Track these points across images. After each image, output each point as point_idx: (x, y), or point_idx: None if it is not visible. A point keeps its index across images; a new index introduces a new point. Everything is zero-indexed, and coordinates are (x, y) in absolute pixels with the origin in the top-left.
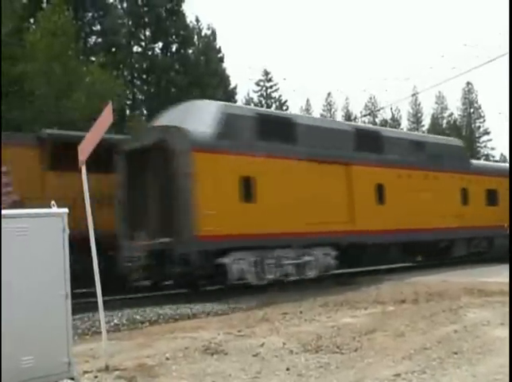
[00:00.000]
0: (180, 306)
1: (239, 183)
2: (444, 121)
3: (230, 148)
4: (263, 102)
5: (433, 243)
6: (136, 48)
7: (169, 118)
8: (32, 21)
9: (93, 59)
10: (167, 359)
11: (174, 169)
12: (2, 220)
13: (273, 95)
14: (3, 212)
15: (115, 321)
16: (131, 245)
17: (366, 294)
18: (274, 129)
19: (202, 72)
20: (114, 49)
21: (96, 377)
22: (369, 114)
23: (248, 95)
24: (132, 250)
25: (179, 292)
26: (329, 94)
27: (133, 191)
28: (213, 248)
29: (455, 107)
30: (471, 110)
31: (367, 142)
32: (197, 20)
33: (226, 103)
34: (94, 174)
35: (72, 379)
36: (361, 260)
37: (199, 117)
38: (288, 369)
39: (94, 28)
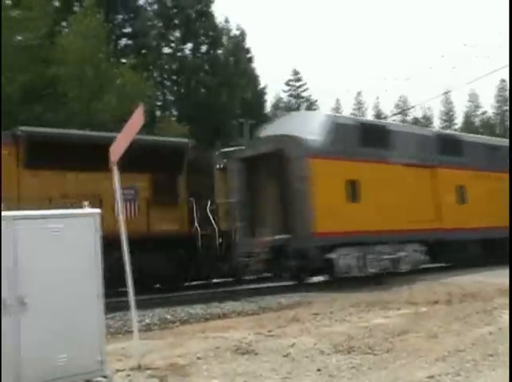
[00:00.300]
0: (211, 306)
1: (345, 185)
2: (477, 119)
3: (338, 154)
4: (293, 101)
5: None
6: (166, 50)
7: (280, 127)
8: (64, 24)
9: (123, 61)
10: (198, 358)
11: (291, 174)
12: (37, 220)
13: (303, 94)
14: (38, 212)
15: (147, 320)
16: (252, 242)
17: (398, 294)
18: (373, 136)
19: (231, 72)
20: (144, 51)
21: (129, 376)
22: (399, 113)
23: (278, 95)
24: (252, 246)
25: (209, 291)
26: (359, 93)
27: (250, 193)
28: (325, 244)
29: (489, 105)
30: (505, 107)
31: (449, 147)
32: (226, 21)
33: (333, 114)
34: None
35: (105, 377)
36: (445, 256)
37: (309, 126)
38: (319, 370)
39: (124, 30)
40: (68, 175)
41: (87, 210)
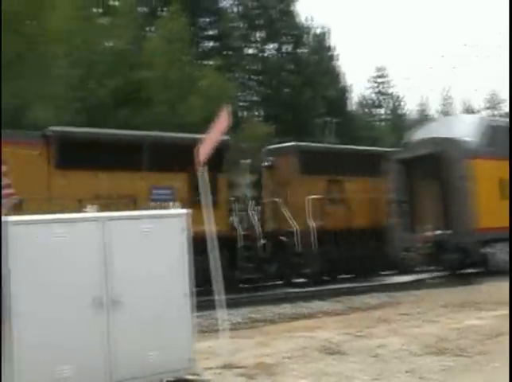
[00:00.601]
0: (297, 306)
1: (500, 184)
2: None
3: (493, 154)
4: (379, 98)
5: None
6: (249, 51)
7: (434, 130)
8: (150, 29)
9: (207, 63)
10: (285, 358)
11: (451, 174)
12: (129, 221)
13: (389, 91)
14: (131, 212)
15: (233, 319)
16: (412, 237)
17: (489, 294)
18: None
19: (314, 70)
20: (227, 52)
21: (217, 374)
22: (490, 108)
23: (362, 92)
24: (412, 241)
25: (294, 291)
26: (445, 89)
27: (409, 192)
28: (483, 239)
29: None
30: None
31: None
32: (309, 19)
33: (486, 117)
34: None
35: (196, 374)
36: None
37: (465, 129)
38: (408, 371)
39: (206, 32)
40: (101, 175)
41: (176, 211)
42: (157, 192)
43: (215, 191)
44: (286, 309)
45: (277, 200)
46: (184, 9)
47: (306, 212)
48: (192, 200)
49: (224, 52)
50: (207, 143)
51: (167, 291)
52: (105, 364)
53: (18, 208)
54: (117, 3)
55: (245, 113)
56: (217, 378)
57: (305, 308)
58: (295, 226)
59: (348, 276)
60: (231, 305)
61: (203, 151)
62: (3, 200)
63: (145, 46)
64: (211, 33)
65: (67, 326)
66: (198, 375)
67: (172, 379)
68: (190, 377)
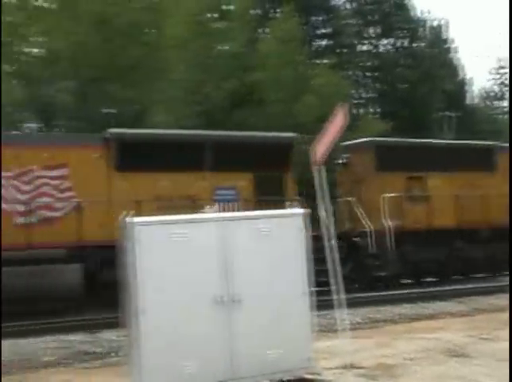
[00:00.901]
0: (417, 306)
1: None
2: None
3: None
4: (502, 90)
5: None
6: (363, 47)
7: None
8: (262, 30)
9: (320, 62)
10: (407, 359)
11: None
12: (248, 221)
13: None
14: (249, 213)
15: (352, 319)
16: None
17: None
18: None
19: (431, 64)
20: (341, 50)
21: (338, 374)
22: None
23: (483, 85)
24: None
25: (415, 291)
26: None
27: None
28: None
29: None
30: None
31: None
32: (425, 12)
33: None
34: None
35: (316, 374)
36: None
37: None
38: None
39: (319, 31)
40: (161, 176)
41: (293, 210)
42: (220, 193)
43: (281, 190)
44: (406, 309)
45: (350, 199)
46: (297, 8)
47: (381, 211)
48: (257, 200)
49: (337, 50)
50: (325, 143)
51: (286, 290)
52: (226, 362)
53: (78, 211)
54: (231, 7)
55: (360, 110)
56: (338, 378)
57: (426, 308)
58: (369, 226)
59: (434, 279)
60: (350, 304)
61: (320, 150)
62: (64, 204)
63: (259, 48)
64: (323, 31)
65: (190, 324)
66: (318, 374)
67: (291, 378)
68: (310, 377)
